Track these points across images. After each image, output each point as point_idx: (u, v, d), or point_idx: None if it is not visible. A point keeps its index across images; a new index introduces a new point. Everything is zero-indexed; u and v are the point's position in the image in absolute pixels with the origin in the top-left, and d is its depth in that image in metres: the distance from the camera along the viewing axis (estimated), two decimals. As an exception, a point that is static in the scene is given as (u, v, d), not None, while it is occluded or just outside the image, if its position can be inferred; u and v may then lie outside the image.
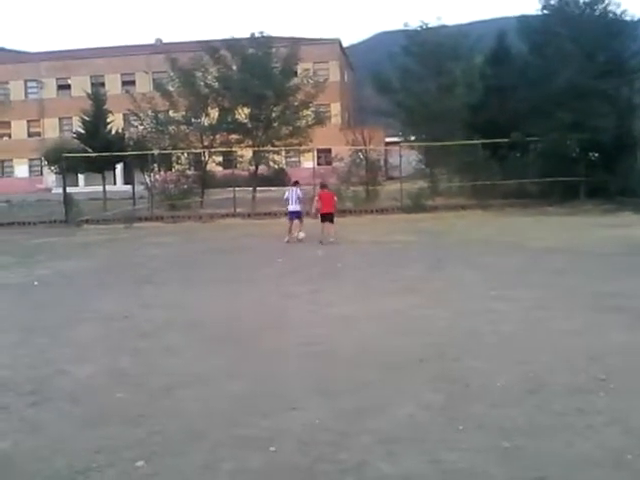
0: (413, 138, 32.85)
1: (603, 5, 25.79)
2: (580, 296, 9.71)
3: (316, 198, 18.29)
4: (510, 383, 6.02)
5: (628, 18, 26.12)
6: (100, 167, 31.69)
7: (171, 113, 32.63)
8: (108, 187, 33.11)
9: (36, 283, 12.78)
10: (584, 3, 25.89)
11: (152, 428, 5.33)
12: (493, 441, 4.81)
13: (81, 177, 46.43)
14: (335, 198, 18.51)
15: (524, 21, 27.96)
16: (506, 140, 26.08)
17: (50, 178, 52.56)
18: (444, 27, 31.58)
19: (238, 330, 8.43)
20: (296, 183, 18.91)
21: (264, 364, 6.94)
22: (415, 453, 4.68)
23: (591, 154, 26.90)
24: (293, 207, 18.05)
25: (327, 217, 17.49)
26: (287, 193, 18.53)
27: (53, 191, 47.12)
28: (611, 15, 25.85)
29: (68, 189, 28.56)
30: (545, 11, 26.74)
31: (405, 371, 6.50)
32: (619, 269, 11.97)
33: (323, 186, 18.89)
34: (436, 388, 5.97)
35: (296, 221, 17.96)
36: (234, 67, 30.84)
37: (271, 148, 31.30)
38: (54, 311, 10.11)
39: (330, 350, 7.31)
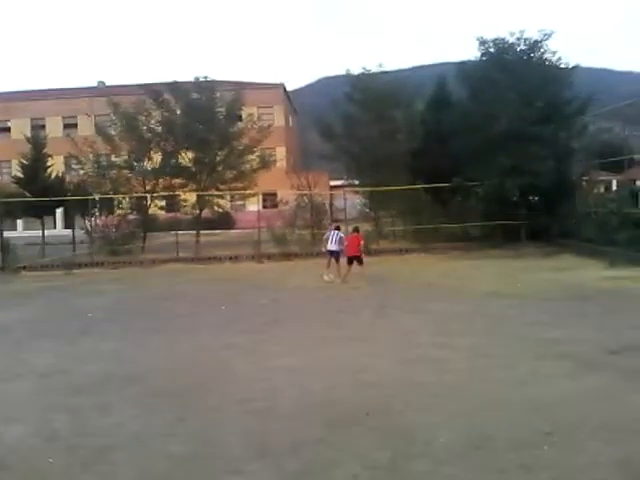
0: (357, 182, 33.10)
1: (539, 53, 26.64)
2: (524, 343, 9.76)
3: (345, 243, 18.74)
4: (455, 438, 5.95)
5: (563, 66, 26.96)
6: (39, 212, 30.94)
7: (113, 157, 32.23)
8: (48, 232, 32.35)
9: (-32, 335, 12.26)
10: (521, 51, 26.69)
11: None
12: (439, 503, 4.71)
13: (19, 222, 45.31)
14: (361, 242, 18.77)
15: (463, 68, 28.61)
16: (448, 185, 26.52)
17: (-13, 222, 51.08)
18: (385, 73, 32.09)
19: (177, 385, 8.18)
20: (338, 228, 19.62)
21: (204, 423, 6.73)
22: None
23: (531, 197, 27.55)
24: (332, 247, 18.61)
25: (351, 259, 18.16)
26: (327, 234, 19.42)
27: (-10, 236, 45.77)
28: (547, 62, 26.69)
29: (5, 234, 27.80)
30: (484, 58, 27.44)
31: (350, 427, 6.36)
32: (562, 314, 12.11)
33: (355, 230, 19.35)
34: (381, 445, 5.86)
35: (332, 260, 18.56)
36: (178, 111, 30.74)
37: (215, 192, 31.14)
38: (-15, 366, 9.67)
39: (272, 406, 7.14)
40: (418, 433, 6.11)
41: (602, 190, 34.02)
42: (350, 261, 18.21)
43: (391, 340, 10.39)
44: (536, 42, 26.44)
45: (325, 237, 19.48)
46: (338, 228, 19.61)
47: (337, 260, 18.58)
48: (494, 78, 25.75)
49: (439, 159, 26.23)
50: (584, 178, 29.06)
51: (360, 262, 18.19)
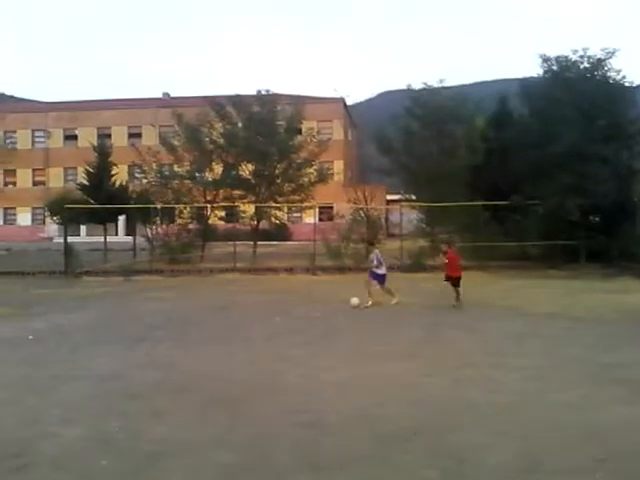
0: (414, 197, 33.01)
1: (603, 71, 26.21)
2: (579, 366, 9.56)
3: (445, 261, 17.07)
4: (505, 460, 5.87)
5: (627, 84, 26.46)
6: (102, 219, 31.82)
7: (175, 167, 32.90)
8: (110, 238, 33.22)
9: (31, 337, 12.64)
10: (584, 68, 26.30)
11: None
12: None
13: (83, 227, 46.61)
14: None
15: (525, 84, 28.35)
16: (507, 202, 26.20)
17: (52, 227, 52.73)
18: (446, 88, 31.99)
19: (229, 394, 8.28)
20: (372, 244, 18.45)
21: (254, 433, 6.79)
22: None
23: (592, 217, 26.97)
24: (384, 270, 17.27)
25: (458, 280, 16.59)
26: (377, 256, 17.31)
27: (54, 240, 47.23)
28: (611, 81, 26.22)
29: (69, 239, 28.56)
30: (546, 75, 27.11)
31: (398, 444, 6.34)
32: (619, 338, 11.84)
33: (450, 244, 18.11)
34: (430, 464, 5.82)
35: (376, 283, 17.11)
36: (239, 124, 31.25)
37: (273, 204, 31.47)
38: (46, 368, 9.97)
39: (322, 420, 7.16)
40: (468, 453, 6.05)
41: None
42: (456, 283, 16.51)
43: (444, 358, 10.29)
44: (599, 60, 26.02)
45: (379, 259, 17.21)
46: (372, 244, 18.39)
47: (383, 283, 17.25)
48: (556, 96, 25.43)
49: (498, 176, 25.95)
50: (646, 199, 28.35)
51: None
